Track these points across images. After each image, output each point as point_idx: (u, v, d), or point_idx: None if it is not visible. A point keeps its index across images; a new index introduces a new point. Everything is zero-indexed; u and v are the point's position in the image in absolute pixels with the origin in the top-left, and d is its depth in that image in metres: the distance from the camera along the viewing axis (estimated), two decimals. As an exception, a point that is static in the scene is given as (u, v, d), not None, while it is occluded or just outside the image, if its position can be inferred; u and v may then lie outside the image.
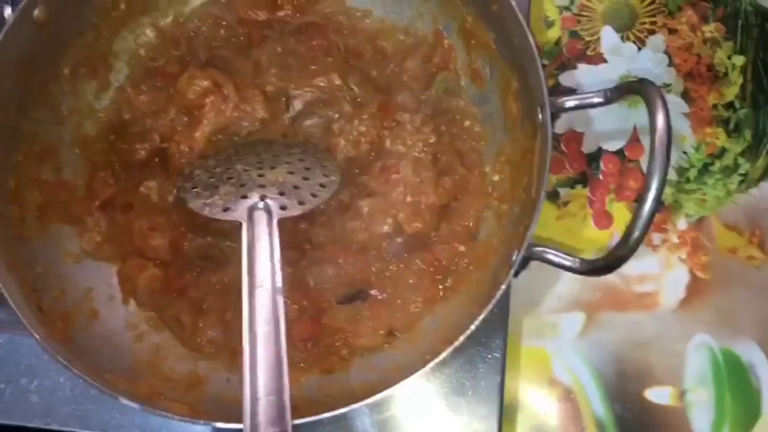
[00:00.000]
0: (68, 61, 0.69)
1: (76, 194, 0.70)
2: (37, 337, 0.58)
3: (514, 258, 0.59)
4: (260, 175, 0.65)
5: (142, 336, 0.69)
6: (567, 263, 0.58)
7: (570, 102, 0.61)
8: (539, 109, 0.61)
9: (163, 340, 0.69)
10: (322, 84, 0.72)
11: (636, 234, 0.53)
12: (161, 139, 0.71)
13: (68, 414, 0.72)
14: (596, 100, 0.61)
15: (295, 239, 0.71)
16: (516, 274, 0.60)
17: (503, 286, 0.58)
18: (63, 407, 0.72)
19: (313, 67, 0.73)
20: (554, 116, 0.63)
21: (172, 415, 0.58)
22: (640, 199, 0.54)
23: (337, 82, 0.72)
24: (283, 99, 0.73)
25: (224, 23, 0.73)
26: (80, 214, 0.70)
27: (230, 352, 0.69)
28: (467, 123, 0.73)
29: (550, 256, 0.59)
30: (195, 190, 0.66)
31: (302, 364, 0.68)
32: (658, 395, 0.75)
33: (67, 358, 0.58)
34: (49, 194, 0.68)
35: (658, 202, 0.53)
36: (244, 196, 0.63)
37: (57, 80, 0.69)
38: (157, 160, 0.72)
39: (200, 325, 0.69)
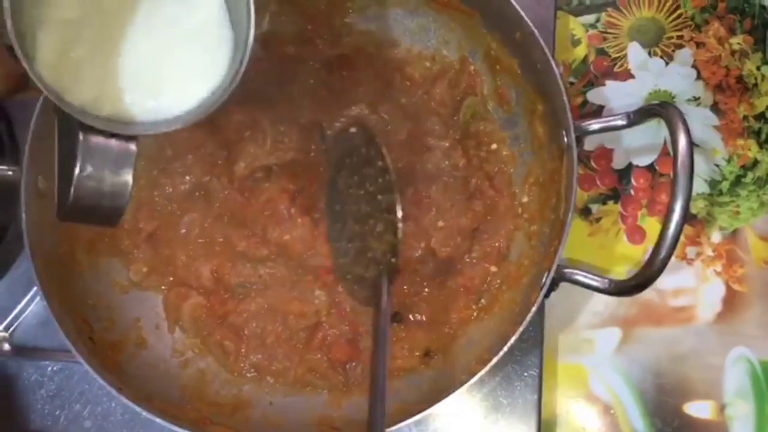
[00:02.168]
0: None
1: (123, 228, 0.73)
2: (89, 366, 0.61)
3: (543, 280, 0.60)
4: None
5: (188, 362, 0.71)
6: (596, 284, 0.59)
7: (594, 125, 0.63)
8: (564, 133, 0.63)
9: (208, 366, 0.72)
10: (353, 114, 0.74)
11: (662, 254, 0.54)
12: (202, 173, 0.74)
13: (120, 438, 0.75)
14: (619, 122, 0.62)
15: (332, 263, 0.73)
16: (547, 295, 0.61)
17: (534, 308, 0.59)
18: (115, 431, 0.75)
19: (344, 97, 0.75)
20: (581, 137, 0.64)
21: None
22: (664, 221, 0.55)
23: (366, 111, 0.74)
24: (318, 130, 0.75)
25: (258, 59, 0.76)
26: (127, 247, 0.73)
27: (272, 375, 0.71)
28: (495, 146, 0.75)
29: (579, 278, 0.60)
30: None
31: (342, 387, 0.70)
32: (697, 409, 0.75)
33: (118, 385, 0.61)
34: (98, 230, 0.71)
35: (683, 223, 0.54)
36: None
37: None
38: (197, 193, 0.74)
39: (243, 350, 0.71)
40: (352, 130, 0.67)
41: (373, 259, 0.64)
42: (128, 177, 0.46)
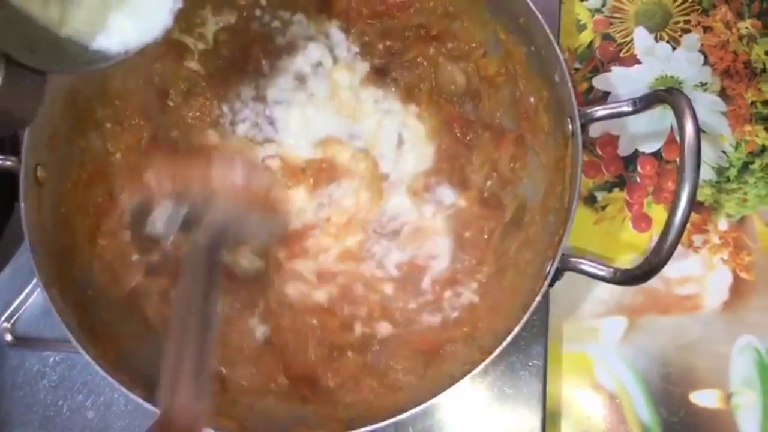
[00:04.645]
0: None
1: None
2: (90, 358, 0.60)
3: (548, 269, 0.59)
4: None
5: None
6: (602, 273, 0.58)
7: (599, 112, 0.62)
8: (569, 120, 0.62)
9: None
10: None
11: (668, 243, 0.53)
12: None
13: (123, 428, 0.74)
14: (625, 109, 0.61)
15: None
16: (551, 284, 0.60)
17: (538, 297, 0.59)
18: (118, 422, 0.75)
19: None
20: (586, 124, 0.63)
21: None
22: (671, 209, 0.54)
23: None
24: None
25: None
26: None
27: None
28: None
29: (584, 267, 0.59)
30: None
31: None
32: (704, 398, 0.74)
33: (119, 376, 0.61)
34: (98, 220, 0.71)
35: (690, 211, 0.53)
36: None
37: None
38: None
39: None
40: None
41: None
42: (34, 105, 0.48)
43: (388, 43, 0.75)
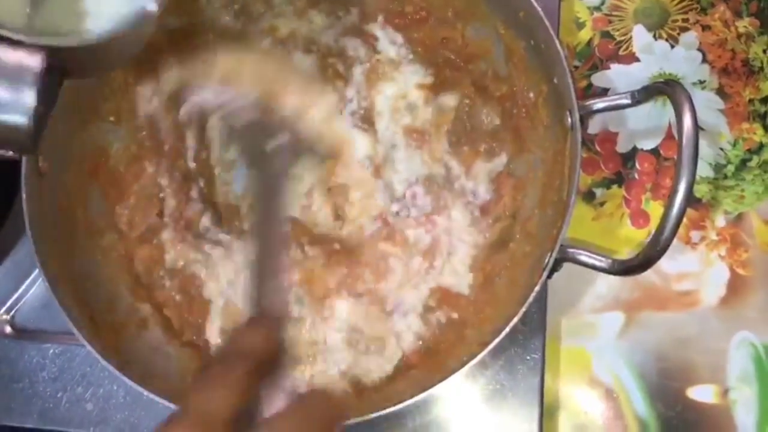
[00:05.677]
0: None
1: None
2: (90, 347, 0.60)
3: (546, 261, 0.59)
4: None
5: (187, 342, 0.71)
6: (600, 264, 0.59)
7: (598, 104, 0.62)
8: (568, 113, 0.62)
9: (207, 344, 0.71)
10: None
11: (665, 235, 0.53)
12: None
13: (122, 420, 0.74)
14: (624, 101, 0.61)
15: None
16: (549, 276, 0.60)
17: (537, 288, 0.59)
18: (117, 414, 0.75)
19: None
20: (586, 118, 0.63)
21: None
22: (668, 199, 0.54)
23: None
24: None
25: None
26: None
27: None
28: None
29: (582, 257, 0.59)
30: None
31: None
32: (701, 393, 0.74)
33: (120, 367, 0.60)
34: (97, 211, 0.71)
35: (686, 204, 0.53)
36: None
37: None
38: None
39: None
40: None
41: None
42: (29, 97, 0.39)
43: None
